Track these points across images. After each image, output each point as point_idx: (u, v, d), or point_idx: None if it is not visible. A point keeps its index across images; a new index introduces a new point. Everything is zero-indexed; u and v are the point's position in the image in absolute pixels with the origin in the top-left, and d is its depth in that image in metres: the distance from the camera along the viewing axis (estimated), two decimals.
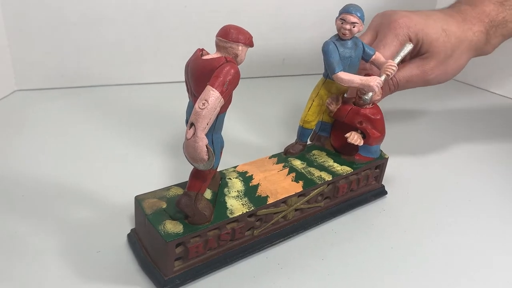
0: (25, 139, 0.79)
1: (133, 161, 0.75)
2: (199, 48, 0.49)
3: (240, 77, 0.46)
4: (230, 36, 0.46)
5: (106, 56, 1.02)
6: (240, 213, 0.53)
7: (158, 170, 0.72)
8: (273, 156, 0.66)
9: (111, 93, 1.02)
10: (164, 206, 0.53)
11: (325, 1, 1.12)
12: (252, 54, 1.18)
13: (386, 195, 0.71)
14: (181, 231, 0.49)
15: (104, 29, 0.99)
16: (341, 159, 0.66)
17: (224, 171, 0.61)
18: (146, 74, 1.09)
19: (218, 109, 0.44)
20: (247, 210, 0.54)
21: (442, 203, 0.71)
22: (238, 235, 0.54)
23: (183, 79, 0.50)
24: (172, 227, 0.49)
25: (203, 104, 0.42)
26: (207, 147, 0.44)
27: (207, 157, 0.44)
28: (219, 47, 0.47)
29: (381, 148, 0.68)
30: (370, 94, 0.61)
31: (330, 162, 0.65)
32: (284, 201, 0.57)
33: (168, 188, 0.56)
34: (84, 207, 0.62)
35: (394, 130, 0.94)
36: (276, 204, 0.56)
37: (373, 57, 0.64)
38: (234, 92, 0.47)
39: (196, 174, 0.51)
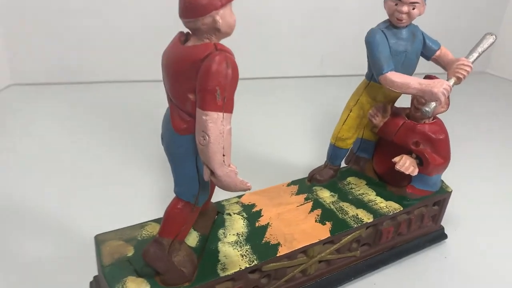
0: (18, 134, 0.75)
1: (117, 175, 0.65)
2: (181, 32, 0.34)
3: (243, 73, 0.33)
4: (191, 12, 0.32)
5: (104, 51, 1.00)
6: (237, 269, 0.40)
7: (144, 191, 0.60)
8: (293, 183, 0.54)
9: (108, 90, 0.97)
10: (130, 253, 0.40)
11: None
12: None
13: (446, 240, 0.58)
14: None
15: (100, 25, 0.98)
16: (387, 192, 0.54)
17: (224, 203, 0.48)
18: (143, 71, 1.03)
19: (229, 126, 0.32)
20: (248, 265, 0.40)
21: None
22: None
23: None
24: (135, 287, 0.36)
25: (203, 137, 0.32)
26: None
27: (249, 186, 0.34)
28: (192, 31, 0.33)
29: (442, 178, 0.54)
30: (433, 104, 0.47)
31: (371, 196, 0.53)
32: (304, 250, 0.44)
33: (142, 225, 0.43)
34: (47, 235, 0.52)
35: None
36: (291, 255, 0.43)
37: (437, 53, 0.51)
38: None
39: (172, 213, 0.37)
